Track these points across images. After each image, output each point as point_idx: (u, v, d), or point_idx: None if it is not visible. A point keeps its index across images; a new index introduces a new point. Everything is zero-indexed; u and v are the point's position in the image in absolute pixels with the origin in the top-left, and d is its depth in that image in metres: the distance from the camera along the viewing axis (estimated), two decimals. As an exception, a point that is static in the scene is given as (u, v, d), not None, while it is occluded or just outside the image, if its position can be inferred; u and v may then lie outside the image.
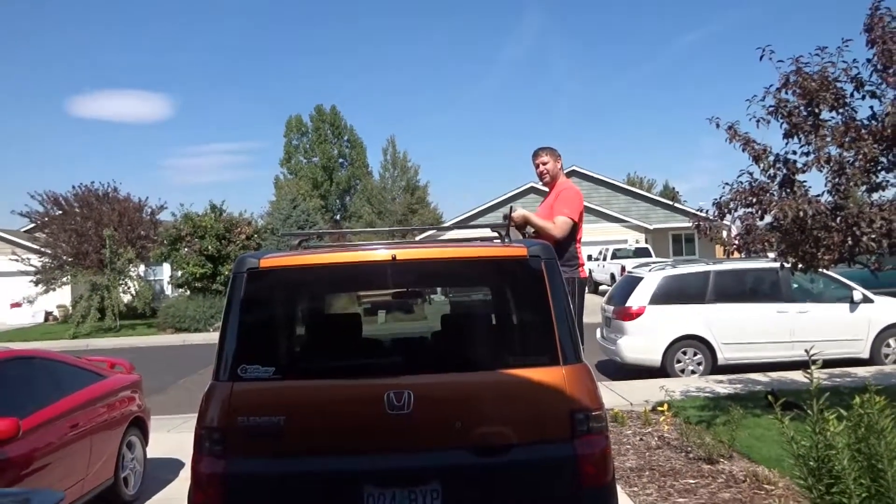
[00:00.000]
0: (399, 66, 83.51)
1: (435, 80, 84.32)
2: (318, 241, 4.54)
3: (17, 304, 26.99)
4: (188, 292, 24.14)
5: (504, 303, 4.23)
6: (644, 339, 10.21)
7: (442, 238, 23.68)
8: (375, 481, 3.02)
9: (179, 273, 24.34)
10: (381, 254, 3.44)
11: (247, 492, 3.06)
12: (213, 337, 18.87)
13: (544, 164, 5.60)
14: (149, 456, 6.32)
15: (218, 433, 3.10)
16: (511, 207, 5.11)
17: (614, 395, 8.50)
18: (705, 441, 6.01)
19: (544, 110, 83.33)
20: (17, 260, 25.06)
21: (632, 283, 10.92)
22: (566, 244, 5.28)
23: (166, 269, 28.28)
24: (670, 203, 35.28)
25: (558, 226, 5.19)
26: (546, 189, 5.77)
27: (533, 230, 5.29)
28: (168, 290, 28.96)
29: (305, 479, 3.03)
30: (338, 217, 54.72)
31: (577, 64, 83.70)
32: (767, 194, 6.30)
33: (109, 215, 25.73)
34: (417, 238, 30.13)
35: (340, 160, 56.87)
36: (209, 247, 23.31)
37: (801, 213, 5.94)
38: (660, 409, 7.09)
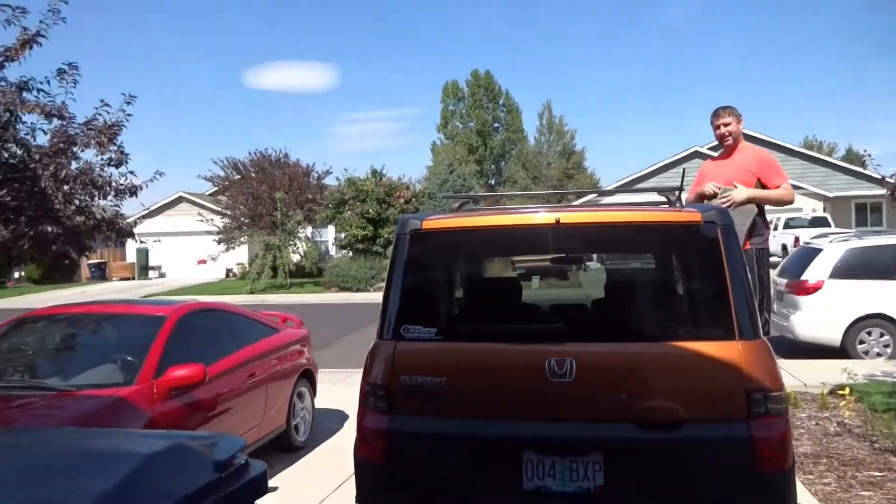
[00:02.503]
0: (556, 28, 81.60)
1: (593, 41, 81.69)
2: (473, 205, 4.52)
3: (203, 261, 29.66)
4: (351, 253, 25.35)
5: (671, 271, 4.01)
6: (821, 316, 9.42)
7: (602, 203, 23.05)
8: (536, 448, 2.98)
9: (343, 235, 25.62)
10: (544, 217, 3.34)
11: (408, 448, 3.13)
12: (373, 296, 19.71)
13: (726, 125, 5.21)
14: (316, 407, 6.69)
15: (382, 390, 3.18)
16: (685, 171, 4.81)
17: (785, 375, 7.87)
18: (894, 431, 5.45)
19: (711, 69, 78.43)
20: (202, 221, 27.49)
21: (808, 254, 10.09)
22: (763, 214, 5.09)
23: (331, 230, 29.85)
24: (855, 168, 32.07)
25: (790, 191, 5.15)
26: (711, 153, 5.42)
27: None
28: (332, 250, 30.59)
29: (466, 441, 3.05)
30: (492, 182, 54.96)
31: (746, 18, 77.71)
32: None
33: (281, 179, 27.43)
34: (575, 203, 29.59)
35: (495, 125, 56.86)
36: (370, 210, 24.29)
37: None
38: (840, 392, 6.52)
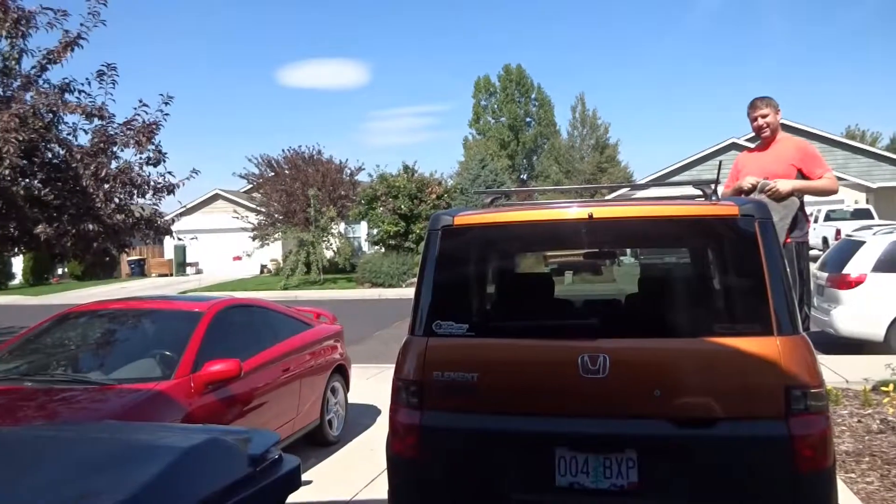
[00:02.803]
0: (588, 19, 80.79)
1: (627, 31, 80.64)
2: (505, 200, 4.48)
3: (238, 258, 30.08)
4: (383, 249, 25.47)
5: (707, 265, 3.96)
6: (864, 310, 9.18)
7: (636, 196, 22.78)
8: (569, 445, 2.96)
9: (375, 231, 25.74)
10: (576, 212, 3.31)
11: (440, 444, 3.13)
12: (405, 292, 19.78)
13: (764, 116, 5.09)
14: (349, 402, 6.72)
15: (414, 386, 3.18)
16: (721, 163, 4.74)
17: (826, 371, 7.70)
18: (941, 429, 5.30)
19: (747, 58, 76.92)
20: (237, 217, 27.88)
21: (850, 247, 9.85)
22: (803, 207, 4.98)
23: (363, 227, 30.00)
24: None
25: (833, 180, 5.08)
26: (748, 145, 5.33)
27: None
28: (365, 246, 30.77)
29: (498, 437, 3.05)
30: (524, 177, 54.65)
31: (785, 4, 75.96)
32: None
33: (314, 176, 27.69)
34: (608, 197, 29.28)
35: (527, 119, 56.48)
36: (402, 206, 24.35)
37: None
38: (883, 388, 6.36)
